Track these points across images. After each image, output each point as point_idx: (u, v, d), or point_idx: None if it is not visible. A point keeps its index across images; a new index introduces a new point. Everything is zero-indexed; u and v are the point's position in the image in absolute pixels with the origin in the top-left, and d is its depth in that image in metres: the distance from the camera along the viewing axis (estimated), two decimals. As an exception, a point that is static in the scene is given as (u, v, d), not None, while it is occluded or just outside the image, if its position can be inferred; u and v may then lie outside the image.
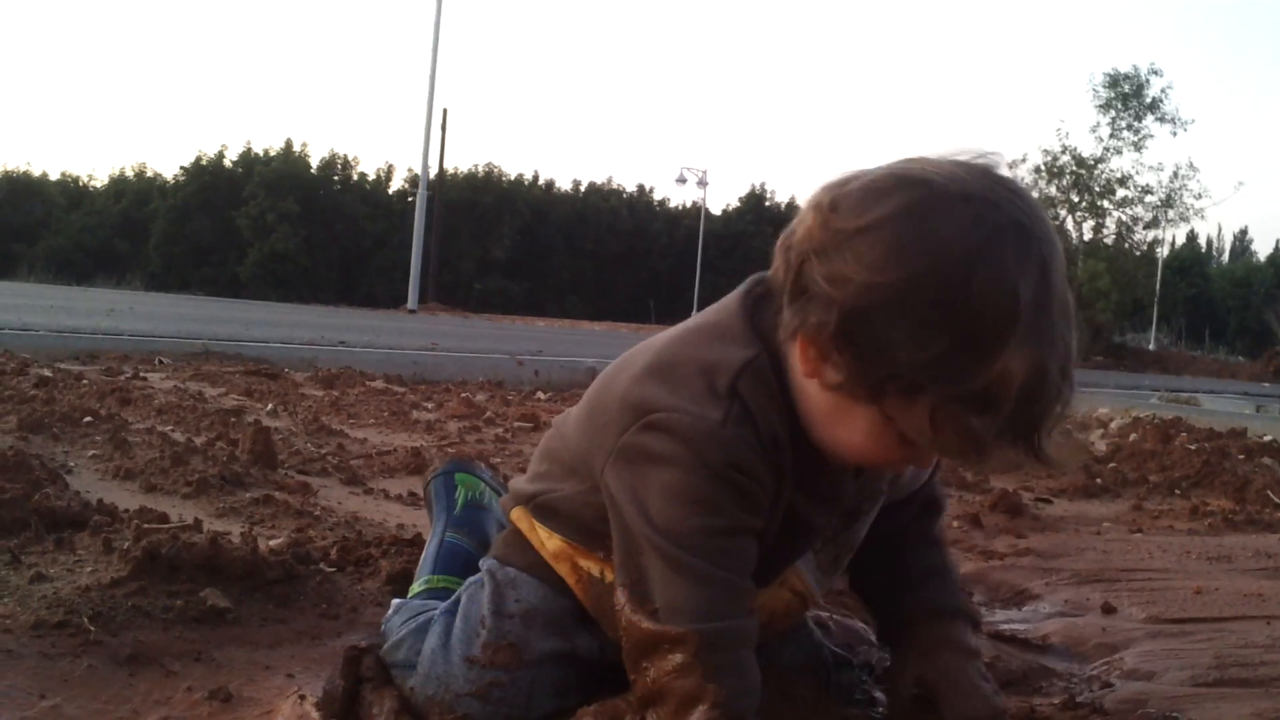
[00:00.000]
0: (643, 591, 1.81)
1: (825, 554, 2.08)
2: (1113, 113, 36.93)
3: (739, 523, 1.80)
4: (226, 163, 67.02)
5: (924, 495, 2.21)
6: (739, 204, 77.13)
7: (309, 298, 54.29)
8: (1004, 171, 1.67)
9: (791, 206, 71.22)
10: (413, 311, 37.58)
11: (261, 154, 66.93)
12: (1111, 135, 37.00)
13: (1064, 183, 36.78)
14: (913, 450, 1.72)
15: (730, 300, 1.90)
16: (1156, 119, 36.76)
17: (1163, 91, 36.94)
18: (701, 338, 1.88)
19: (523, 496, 2.13)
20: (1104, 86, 37.07)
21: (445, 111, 55.54)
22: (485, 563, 2.16)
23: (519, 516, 2.13)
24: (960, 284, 1.55)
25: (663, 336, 1.95)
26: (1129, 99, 36.78)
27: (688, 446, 1.75)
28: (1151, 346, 45.10)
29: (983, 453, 1.64)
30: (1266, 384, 23.75)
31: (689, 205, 75.79)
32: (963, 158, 1.68)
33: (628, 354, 1.99)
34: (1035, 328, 1.56)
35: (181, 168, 67.95)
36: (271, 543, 2.79)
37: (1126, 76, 36.93)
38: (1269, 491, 5.38)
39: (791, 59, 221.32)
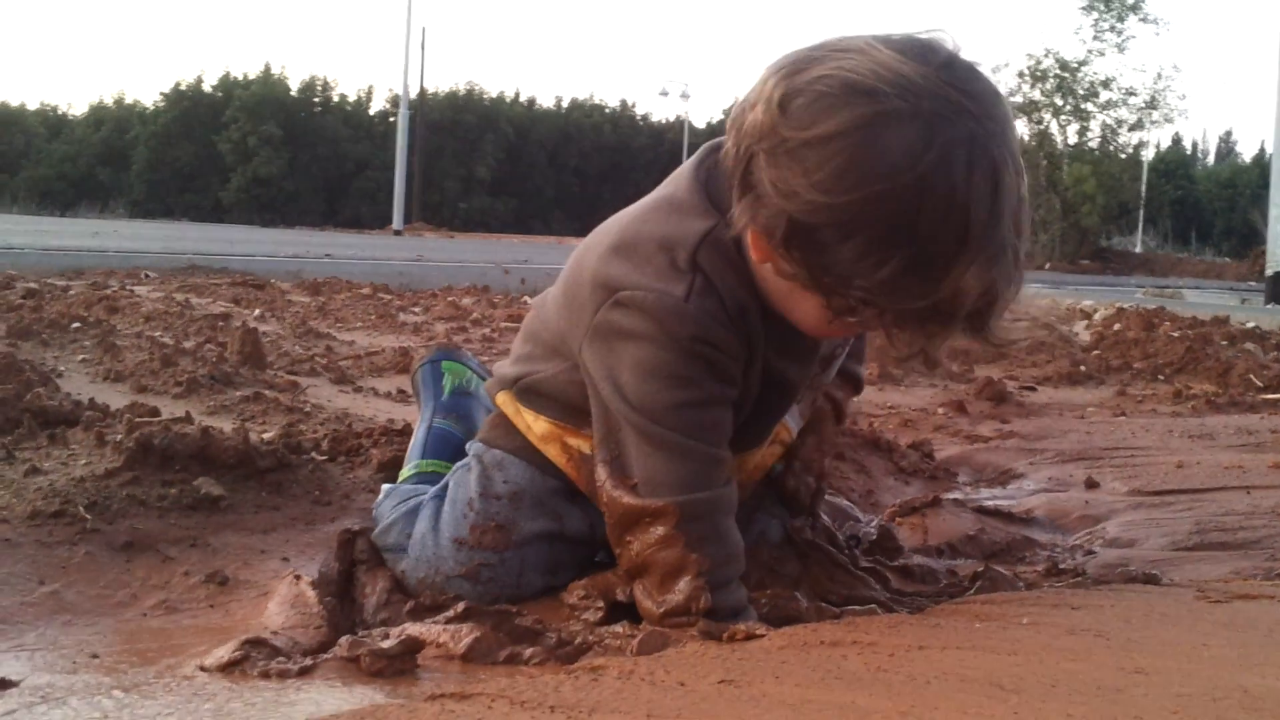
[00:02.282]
0: (622, 467, 1.84)
1: (804, 401, 2.12)
2: (1095, 14, 36.57)
3: (711, 394, 1.82)
4: (206, 88, 66.31)
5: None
6: (723, 116, 75.81)
7: (294, 221, 54.00)
8: (953, 55, 1.62)
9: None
10: (398, 233, 37.46)
11: (241, 78, 66.25)
12: (1095, 37, 36.70)
13: (1047, 86, 36.47)
14: (866, 326, 1.74)
15: (683, 172, 1.90)
16: (1139, 20, 36.46)
17: (1145, -10, 36.59)
18: (659, 213, 1.88)
19: (507, 380, 2.14)
20: (1087, -13, 36.69)
21: (424, 30, 55.28)
22: (472, 446, 2.18)
23: (504, 401, 2.14)
24: (910, 209, 1.54)
25: (625, 213, 1.96)
26: (1111, 0, 36.43)
27: (655, 323, 1.77)
28: (1138, 249, 45.01)
29: (932, 359, 1.68)
30: (1253, 282, 23.74)
31: (672, 119, 75.39)
32: (920, 36, 1.64)
33: (596, 231, 1.99)
34: (986, 245, 1.55)
35: (161, 94, 67.31)
36: (264, 435, 2.81)
37: (1109, -23, 36.55)
38: (1251, 375, 5.42)
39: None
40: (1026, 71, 36.23)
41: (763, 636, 1.65)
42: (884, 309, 1.62)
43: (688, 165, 1.90)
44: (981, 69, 1.64)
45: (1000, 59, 35.80)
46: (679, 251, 1.79)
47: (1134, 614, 1.76)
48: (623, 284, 1.80)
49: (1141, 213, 47.87)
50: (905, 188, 1.53)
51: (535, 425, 2.07)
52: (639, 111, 77.62)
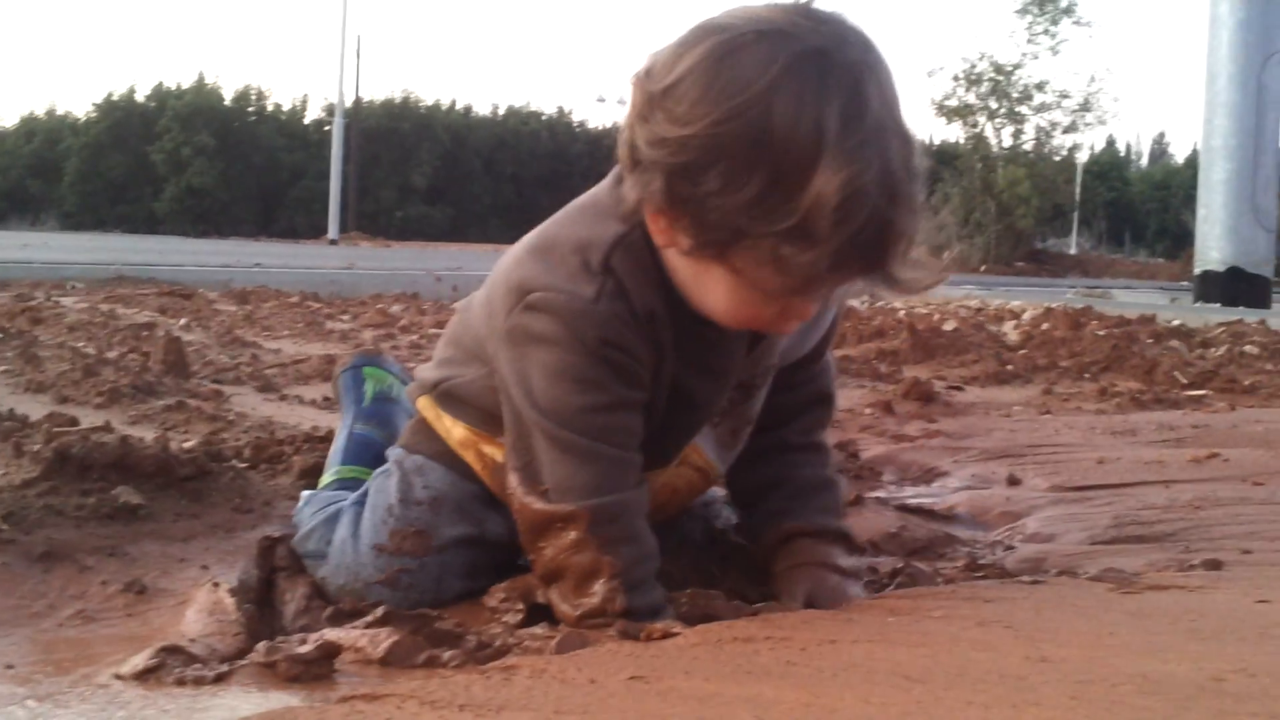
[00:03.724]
0: (533, 473, 1.84)
1: (724, 428, 2.10)
2: (1029, 18, 36.76)
3: (619, 398, 1.82)
4: (138, 98, 65.68)
5: (815, 388, 2.20)
6: (659, 122, 76.63)
7: (229, 232, 53.57)
8: (818, 5, 1.66)
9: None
10: (334, 242, 37.30)
11: (174, 88, 65.65)
12: (1029, 40, 36.90)
13: (982, 90, 36.63)
14: (777, 303, 1.73)
15: (607, 178, 1.91)
16: (1073, 23, 36.66)
17: (1078, -8, 36.77)
18: (579, 216, 1.91)
19: (427, 385, 2.14)
20: (1021, -10, 36.83)
21: (359, 38, 55.06)
22: (393, 452, 2.18)
23: (425, 406, 2.14)
24: (761, 121, 1.55)
25: (550, 218, 1.97)
26: (1045, 3, 36.62)
27: (563, 325, 1.77)
28: (1073, 251, 45.44)
29: (817, 285, 1.65)
30: (1185, 282, 23.98)
31: (609, 126, 75.38)
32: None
33: (524, 238, 2.01)
34: (844, 151, 1.54)
35: (93, 104, 66.58)
36: (184, 443, 2.80)
37: (1043, -20, 36.70)
38: (1175, 372, 5.48)
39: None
40: (961, 75, 36.38)
41: (678, 635, 1.65)
42: (759, 235, 1.60)
43: (613, 171, 1.90)
44: (848, 18, 1.66)
45: (935, 63, 35.92)
46: (593, 253, 1.80)
47: (1045, 605, 1.78)
48: (534, 285, 1.81)
49: (1076, 215, 48.36)
50: (757, 97, 1.56)
51: (454, 431, 2.07)
52: (575, 118, 77.54)
